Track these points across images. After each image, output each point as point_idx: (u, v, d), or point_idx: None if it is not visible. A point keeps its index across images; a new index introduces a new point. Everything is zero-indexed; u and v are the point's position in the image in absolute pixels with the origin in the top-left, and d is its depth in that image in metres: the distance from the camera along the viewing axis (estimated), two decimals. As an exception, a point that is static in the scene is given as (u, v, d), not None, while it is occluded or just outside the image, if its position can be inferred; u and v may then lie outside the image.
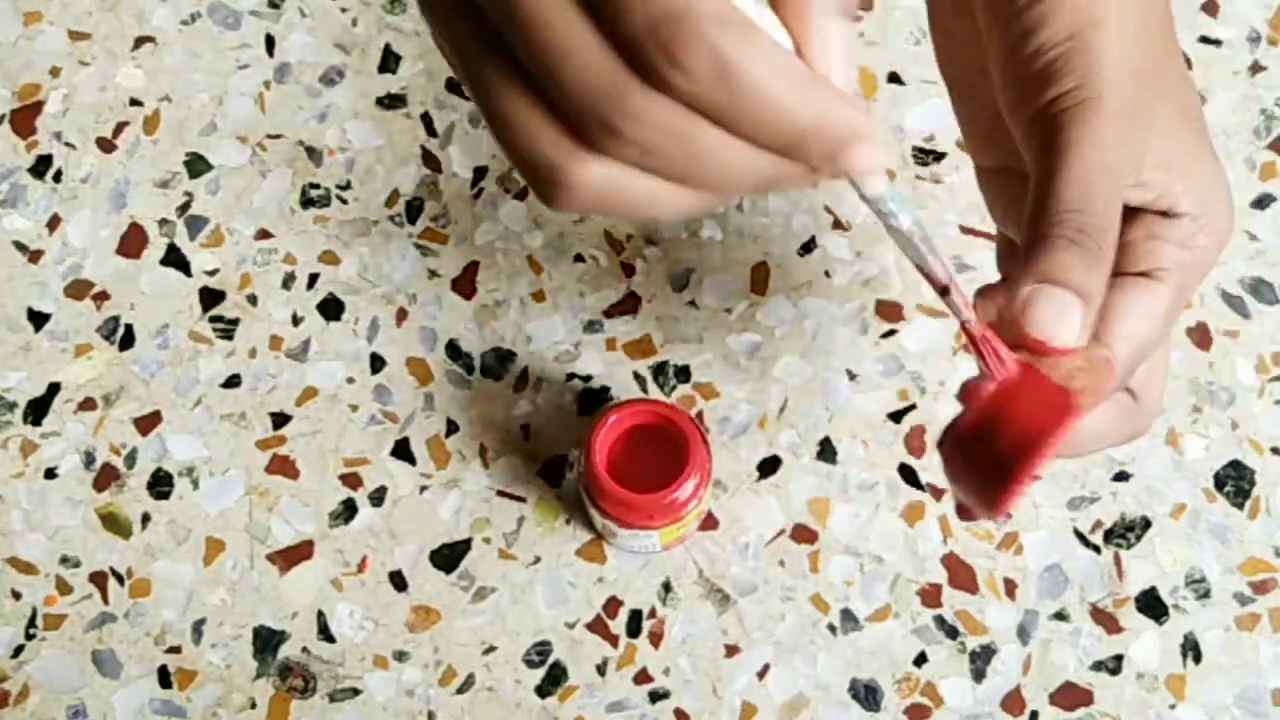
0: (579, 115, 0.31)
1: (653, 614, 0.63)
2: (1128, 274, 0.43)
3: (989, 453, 0.41)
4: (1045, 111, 0.42)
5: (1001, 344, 0.41)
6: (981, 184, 0.50)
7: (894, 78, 0.71)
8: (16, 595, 0.64)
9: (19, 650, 0.63)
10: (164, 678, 0.63)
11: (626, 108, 0.31)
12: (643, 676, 0.62)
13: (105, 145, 0.70)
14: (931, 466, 0.65)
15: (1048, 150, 0.42)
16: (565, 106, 0.31)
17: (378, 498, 0.65)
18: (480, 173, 0.70)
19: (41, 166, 0.70)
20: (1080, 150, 0.41)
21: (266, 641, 0.63)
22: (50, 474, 0.65)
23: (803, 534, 0.64)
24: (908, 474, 0.64)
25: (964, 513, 0.44)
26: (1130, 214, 0.43)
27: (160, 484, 0.65)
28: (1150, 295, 0.43)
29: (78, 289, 0.68)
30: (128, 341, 0.67)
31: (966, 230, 0.68)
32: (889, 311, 0.67)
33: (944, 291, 0.39)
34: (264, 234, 0.69)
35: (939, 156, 0.69)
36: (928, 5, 0.51)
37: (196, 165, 0.70)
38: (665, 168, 0.32)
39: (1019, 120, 0.44)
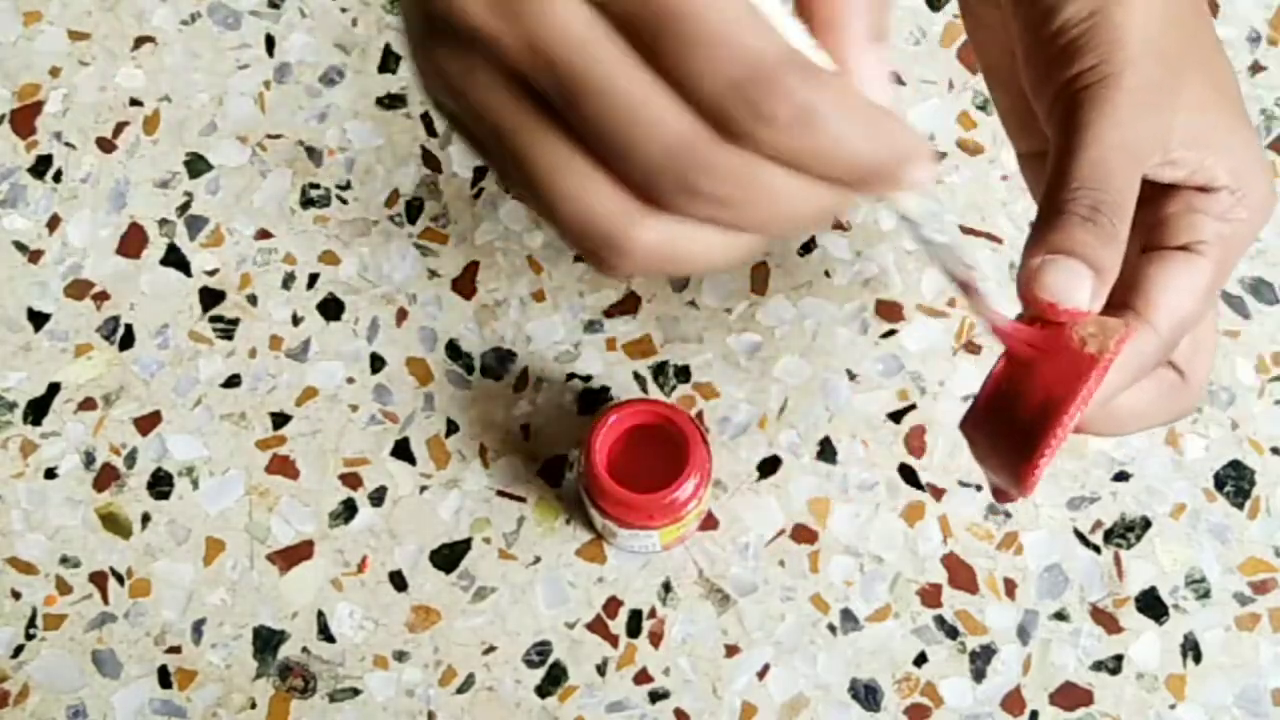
0: (652, 177, 0.31)
1: (653, 614, 0.63)
2: (1168, 248, 0.43)
3: (1010, 426, 0.41)
4: (1066, 89, 0.42)
5: (1034, 335, 0.41)
6: (1022, 169, 0.50)
7: (894, 78, 0.71)
8: (16, 595, 0.64)
9: (19, 650, 0.63)
10: (164, 678, 0.63)
11: (704, 164, 0.30)
12: (643, 676, 0.62)
13: (105, 145, 0.70)
14: (931, 466, 0.65)
15: (1066, 127, 0.42)
16: (635, 170, 0.31)
17: (378, 498, 0.65)
18: (480, 173, 0.70)
19: (41, 166, 0.70)
20: (1098, 128, 0.41)
21: (266, 641, 0.63)
22: (50, 474, 0.65)
23: (803, 534, 0.64)
24: (908, 474, 0.64)
25: (999, 495, 0.43)
26: (1168, 189, 0.43)
27: (160, 484, 0.65)
28: (1190, 268, 0.42)
29: (78, 289, 0.68)
30: (128, 341, 0.67)
31: (966, 230, 0.68)
32: (889, 311, 0.67)
33: (965, 289, 0.39)
34: (264, 234, 0.69)
35: (939, 156, 0.69)
36: None
37: (196, 165, 0.70)
38: (732, 217, 0.32)
39: (1042, 99, 0.44)
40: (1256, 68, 0.71)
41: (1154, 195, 0.44)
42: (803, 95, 0.29)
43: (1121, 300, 0.42)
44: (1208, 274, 0.42)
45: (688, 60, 0.30)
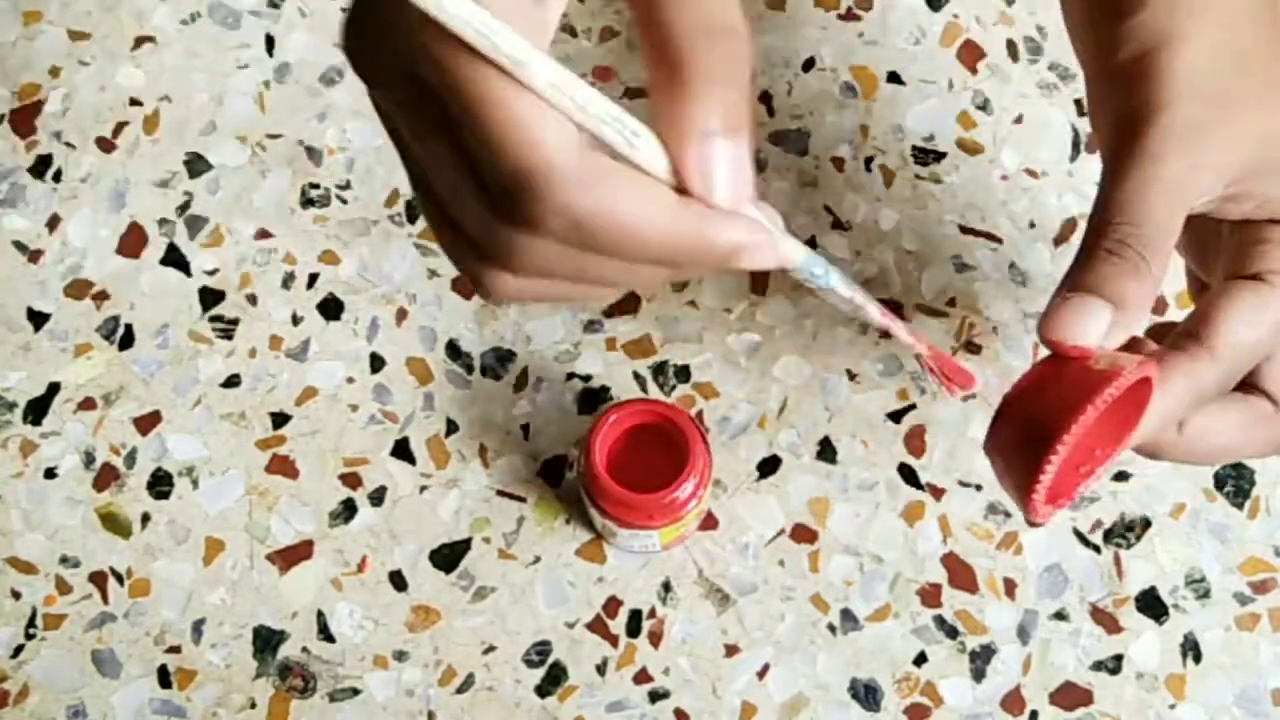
0: (477, 245, 0.32)
1: (653, 614, 0.63)
2: (1239, 278, 0.43)
3: (1018, 449, 0.41)
4: (1115, 125, 0.43)
5: (954, 365, 0.41)
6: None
7: (894, 77, 0.71)
8: (16, 595, 0.64)
9: (19, 650, 0.63)
10: (164, 678, 0.63)
11: (508, 248, 0.31)
12: (642, 676, 0.62)
13: (105, 145, 0.70)
14: (931, 466, 0.65)
15: (1109, 163, 0.43)
16: (465, 234, 0.33)
17: (377, 497, 0.65)
18: (480, 173, 0.70)
19: (41, 166, 0.70)
20: (1134, 164, 0.42)
21: (266, 641, 0.63)
22: (50, 474, 0.65)
23: (802, 534, 0.64)
24: (907, 474, 0.64)
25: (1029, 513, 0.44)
26: (1247, 222, 0.44)
27: (160, 484, 0.65)
28: (1255, 296, 0.43)
29: (78, 289, 0.68)
30: (127, 341, 0.67)
31: (966, 230, 0.68)
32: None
33: (887, 334, 0.40)
34: (264, 234, 0.69)
35: (939, 156, 0.69)
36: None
37: (196, 165, 0.70)
38: (569, 282, 0.33)
39: (1098, 132, 0.45)
40: (1256, 68, 0.71)
41: (1234, 230, 0.44)
42: (571, 207, 0.30)
43: (1192, 330, 0.43)
44: (1276, 302, 0.43)
45: (476, 153, 0.30)
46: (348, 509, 0.65)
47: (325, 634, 0.63)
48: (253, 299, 0.68)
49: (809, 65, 0.71)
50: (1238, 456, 0.47)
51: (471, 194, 0.31)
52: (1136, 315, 0.41)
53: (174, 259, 0.68)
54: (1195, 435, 0.45)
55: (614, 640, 0.63)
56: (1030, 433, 0.40)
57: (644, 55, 0.32)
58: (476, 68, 0.29)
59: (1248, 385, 0.46)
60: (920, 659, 0.62)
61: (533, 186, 0.30)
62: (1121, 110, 0.43)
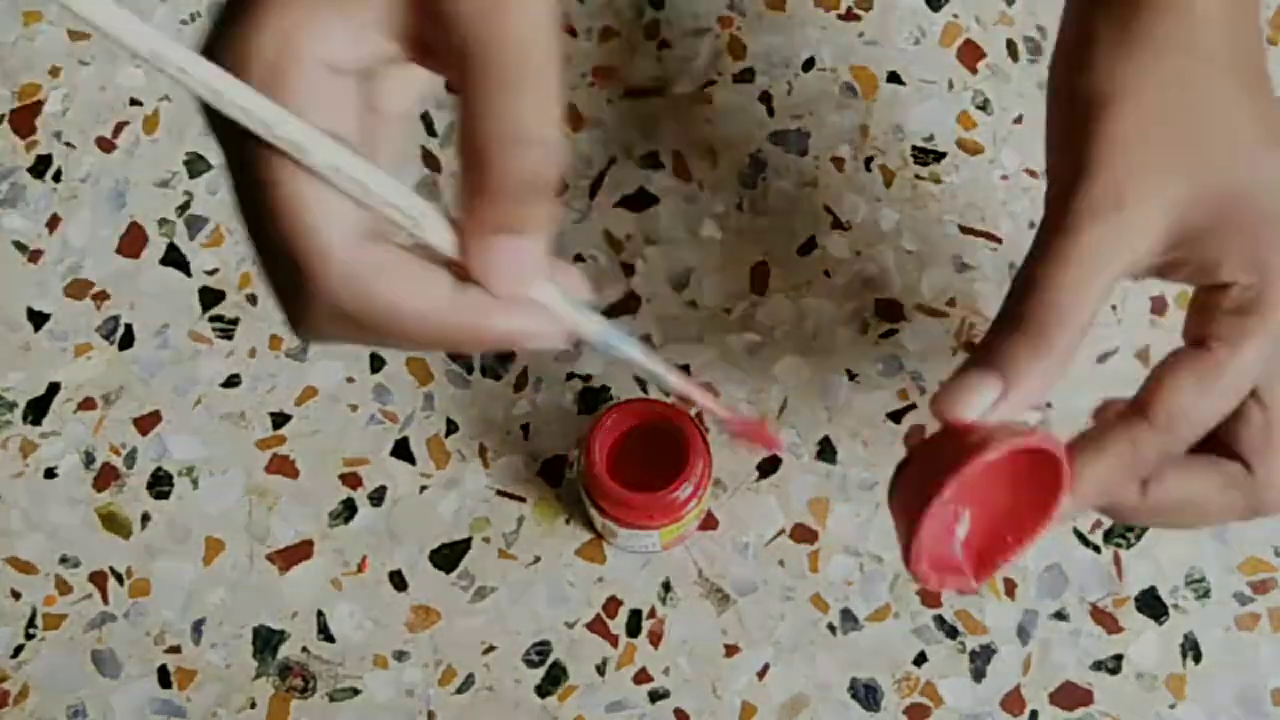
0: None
1: (652, 614, 0.63)
2: (1186, 344, 0.43)
3: (903, 510, 0.42)
4: (1051, 181, 0.43)
5: (758, 431, 0.42)
6: None
7: (894, 77, 0.71)
8: (16, 595, 0.64)
9: (19, 650, 0.63)
10: (164, 677, 0.63)
11: (296, 313, 0.33)
12: (642, 676, 0.62)
13: (105, 145, 0.70)
14: (931, 466, 0.65)
15: (1041, 225, 0.42)
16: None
17: (377, 497, 0.65)
18: (480, 172, 0.70)
19: (41, 166, 0.70)
20: (1054, 234, 0.41)
21: (266, 641, 0.63)
22: (50, 474, 0.65)
23: (802, 533, 0.64)
24: (907, 474, 0.64)
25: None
26: (1204, 288, 0.43)
27: (160, 484, 0.65)
28: (1196, 362, 0.42)
29: (77, 289, 0.68)
30: (127, 341, 0.67)
31: (966, 230, 0.68)
32: (889, 311, 0.67)
33: (686, 399, 0.40)
34: (264, 234, 0.69)
35: (939, 156, 0.69)
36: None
37: (196, 165, 0.70)
38: (368, 344, 0.34)
39: (1048, 179, 0.44)
40: (1256, 68, 0.71)
41: (1193, 293, 0.44)
42: (338, 296, 0.31)
43: (1139, 396, 0.43)
44: (1222, 367, 0.42)
45: (263, 227, 0.32)
46: (348, 509, 0.65)
47: (325, 634, 0.63)
48: (253, 299, 0.67)
49: (809, 65, 0.71)
50: (1211, 521, 0.45)
51: (265, 257, 0.33)
52: (1029, 390, 0.41)
53: (174, 259, 0.68)
54: (1161, 498, 0.44)
55: (614, 640, 0.63)
56: (909, 500, 0.41)
57: (456, 148, 0.32)
58: (263, 147, 0.31)
59: (1222, 447, 0.44)
60: (920, 659, 0.62)
61: (306, 272, 0.31)
62: (1058, 171, 0.43)
